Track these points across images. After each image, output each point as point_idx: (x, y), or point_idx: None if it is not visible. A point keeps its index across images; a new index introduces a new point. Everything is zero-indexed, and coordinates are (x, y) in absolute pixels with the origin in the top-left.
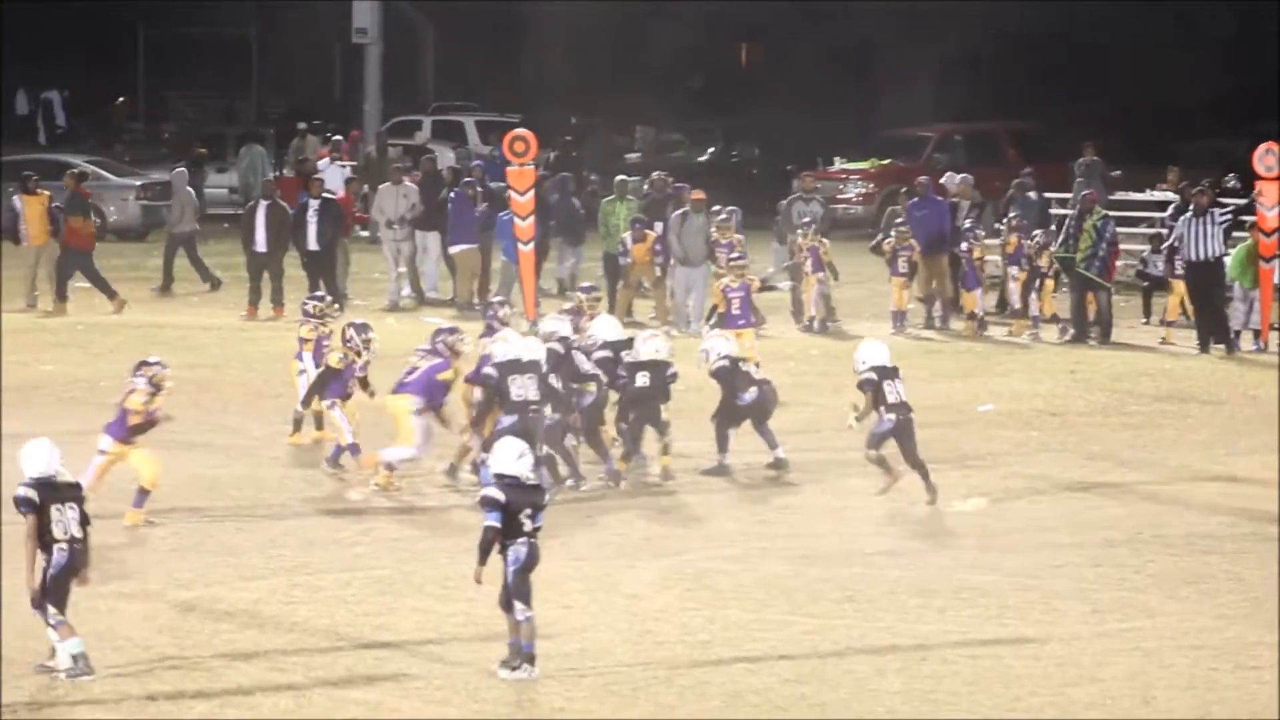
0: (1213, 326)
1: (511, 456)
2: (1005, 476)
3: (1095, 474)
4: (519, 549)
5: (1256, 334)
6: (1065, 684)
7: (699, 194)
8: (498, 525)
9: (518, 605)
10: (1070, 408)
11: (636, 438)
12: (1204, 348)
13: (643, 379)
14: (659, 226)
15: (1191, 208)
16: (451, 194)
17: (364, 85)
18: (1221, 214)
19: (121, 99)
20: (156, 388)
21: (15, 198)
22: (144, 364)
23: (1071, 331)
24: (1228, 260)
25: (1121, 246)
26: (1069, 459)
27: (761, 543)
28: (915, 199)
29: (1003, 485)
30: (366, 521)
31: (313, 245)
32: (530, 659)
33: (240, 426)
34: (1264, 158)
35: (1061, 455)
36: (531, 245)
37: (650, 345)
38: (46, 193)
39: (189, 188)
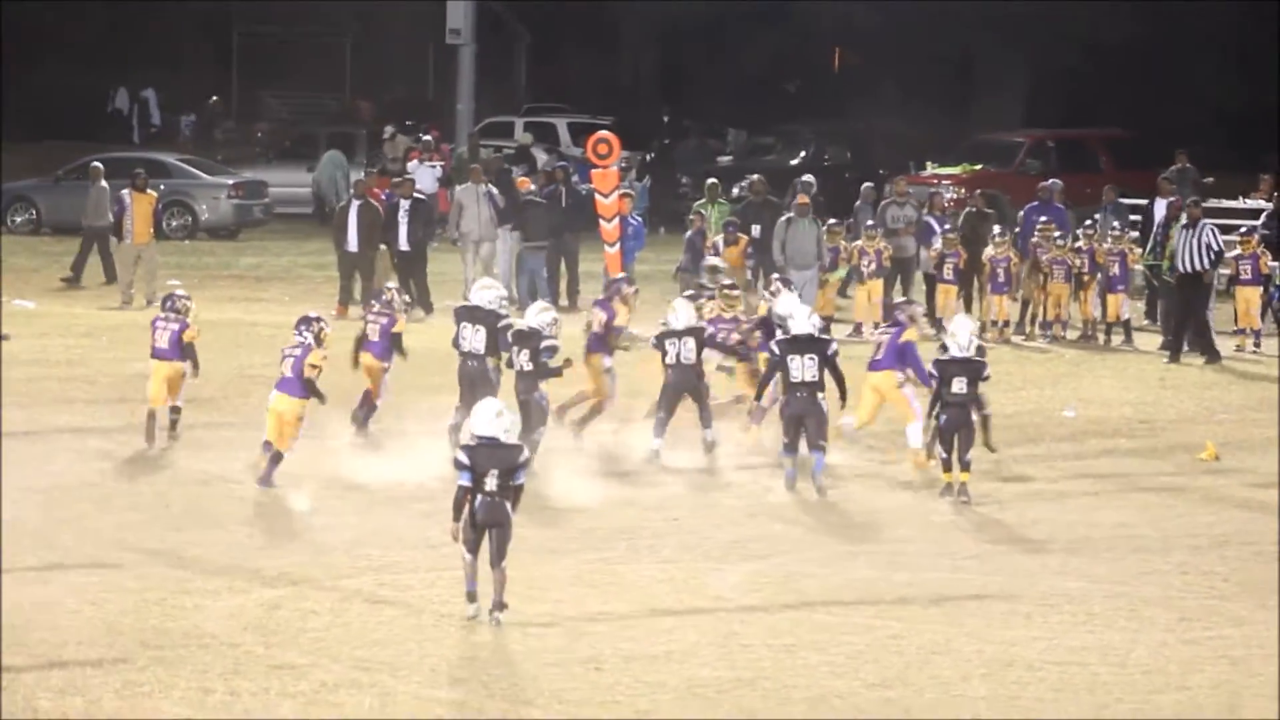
0: (1200, 339)
1: (489, 417)
2: (1095, 481)
3: (1184, 481)
4: (476, 503)
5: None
6: (1151, 692)
7: (805, 199)
8: (467, 485)
9: (462, 550)
10: (1159, 415)
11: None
12: (1174, 357)
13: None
14: (754, 230)
15: (1184, 219)
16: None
17: (457, 86)
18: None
19: (214, 98)
20: (320, 342)
21: (125, 193)
22: (306, 320)
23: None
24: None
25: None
26: (1157, 465)
27: (849, 546)
28: (1035, 204)
29: (1090, 492)
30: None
31: (404, 245)
32: (470, 596)
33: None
34: None
35: (1148, 462)
36: (617, 246)
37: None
38: (154, 193)
39: (104, 183)
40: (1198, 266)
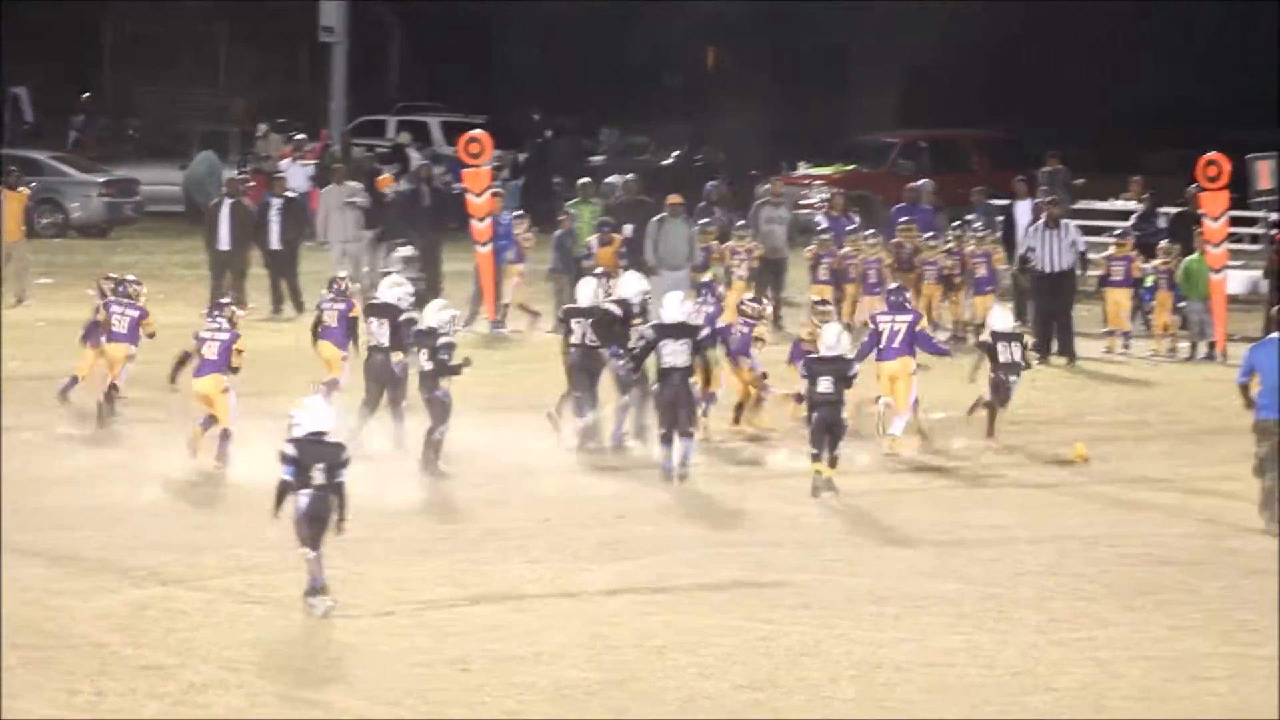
0: (1060, 339)
1: (319, 413)
2: (964, 482)
3: (1053, 482)
4: (302, 499)
5: (1211, 346)
6: (1019, 693)
7: (676, 198)
8: (290, 479)
9: (303, 548)
10: (1028, 416)
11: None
12: (1042, 358)
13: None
14: (627, 229)
15: (1044, 219)
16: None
17: (330, 84)
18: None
19: (86, 94)
20: (234, 324)
21: None
22: (219, 305)
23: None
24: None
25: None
26: (1028, 468)
27: (718, 548)
28: (902, 204)
29: (959, 494)
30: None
31: (275, 245)
32: (312, 590)
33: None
34: (1207, 169)
35: (1020, 463)
36: (489, 246)
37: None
38: (25, 190)
39: None
40: (1061, 266)
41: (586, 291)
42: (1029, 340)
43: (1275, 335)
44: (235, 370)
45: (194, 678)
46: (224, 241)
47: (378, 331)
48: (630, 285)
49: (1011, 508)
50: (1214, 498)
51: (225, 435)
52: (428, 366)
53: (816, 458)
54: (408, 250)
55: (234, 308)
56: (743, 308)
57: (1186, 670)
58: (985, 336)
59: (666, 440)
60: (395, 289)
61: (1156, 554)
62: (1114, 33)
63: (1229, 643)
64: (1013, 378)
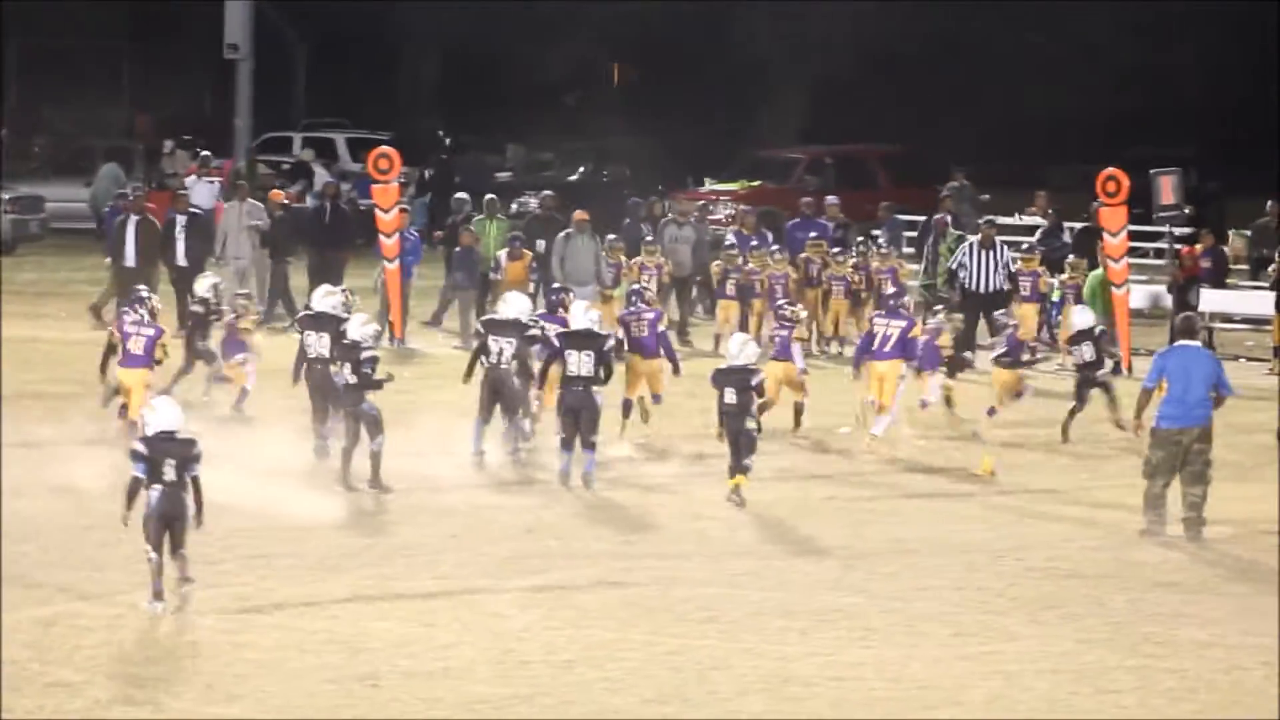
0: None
1: (168, 413)
2: (869, 498)
3: (961, 496)
4: (153, 494)
5: (1117, 361)
6: (927, 706)
7: (583, 214)
8: (142, 475)
9: (149, 547)
10: (935, 430)
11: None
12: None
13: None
14: (539, 245)
15: (978, 239)
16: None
17: (235, 101)
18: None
19: None
20: (155, 316)
21: None
22: (139, 299)
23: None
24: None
25: None
26: (933, 480)
27: (626, 562)
28: (797, 220)
29: (866, 508)
30: (229, 538)
31: (181, 261)
32: (157, 594)
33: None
34: (1106, 184)
35: (924, 477)
36: (396, 262)
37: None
38: None
39: None
40: (995, 286)
41: (517, 306)
42: (757, 379)
43: (1182, 343)
44: (159, 363)
45: (100, 694)
46: (130, 258)
47: (315, 343)
48: (515, 305)
49: (918, 521)
50: (1120, 510)
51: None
52: (351, 381)
53: (731, 471)
54: (212, 277)
55: (153, 300)
56: (781, 312)
57: (1093, 683)
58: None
59: (566, 446)
60: (329, 298)
61: (1063, 567)
62: (1019, 49)
63: (1135, 655)
64: (1096, 374)
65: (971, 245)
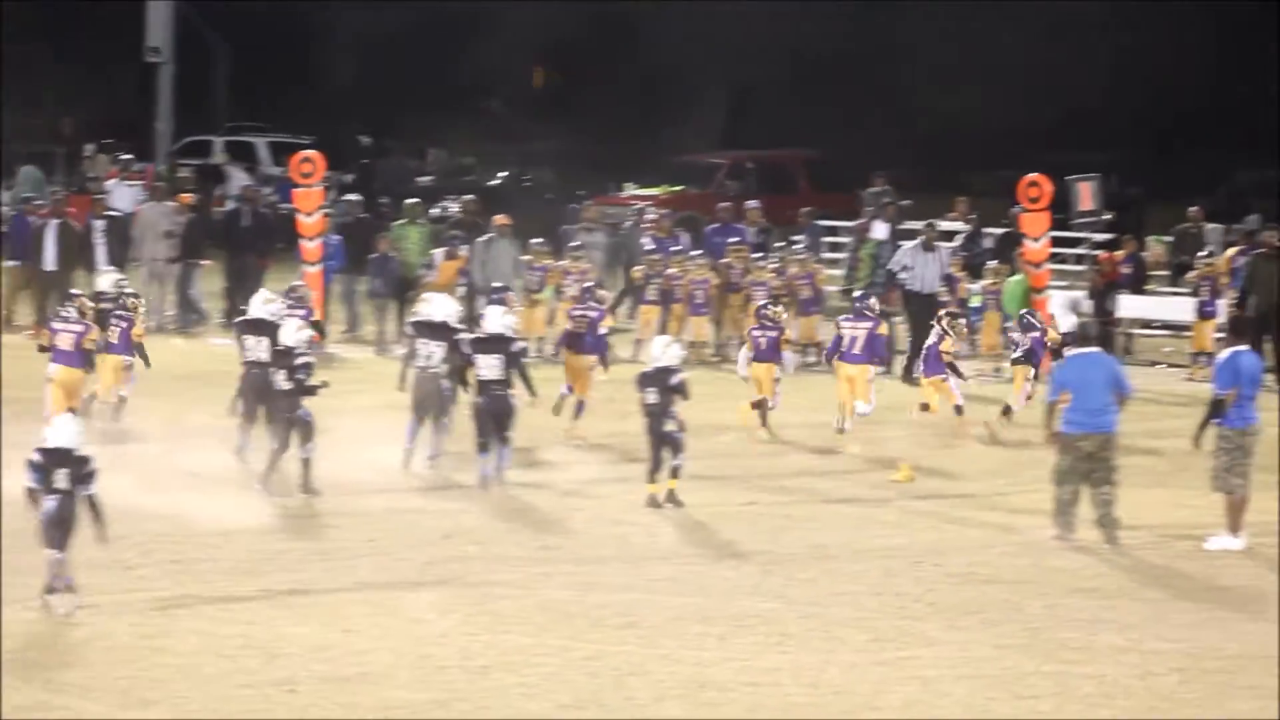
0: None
1: (66, 430)
2: (787, 504)
3: (879, 501)
4: (48, 503)
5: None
6: (844, 712)
7: (504, 219)
8: (35, 485)
9: (47, 550)
10: (855, 436)
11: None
12: (908, 376)
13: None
14: (463, 250)
15: (920, 242)
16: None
17: (156, 105)
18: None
19: None
20: (85, 315)
21: None
22: (70, 296)
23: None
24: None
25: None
26: (851, 486)
27: (543, 567)
28: (716, 225)
29: (784, 513)
30: (147, 543)
31: (102, 265)
32: (51, 588)
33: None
34: (1028, 190)
35: (843, 483)
36: (319, 267)
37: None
38: None
39: None
40: (934, 288)
41: (444, 309)
42: (677, 379)
43: (1079, 350)
44: (90, 360)
45: (17, 699)
46: (50, 262)
47: (254, 347)
48: (441, 307)
49: (837, 526)
50: (1038, 516)
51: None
52: (286, 386)
53: (653, 476)
54: (115, 275)
55: (85, 299)
56: (763, 314)
57: (1010, 688)
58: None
59: (483, 449)
60: (268, 305)
61: (981, 573)
62: (938, 54)
63: (1052, 661)
64: None
65: (916, 247)
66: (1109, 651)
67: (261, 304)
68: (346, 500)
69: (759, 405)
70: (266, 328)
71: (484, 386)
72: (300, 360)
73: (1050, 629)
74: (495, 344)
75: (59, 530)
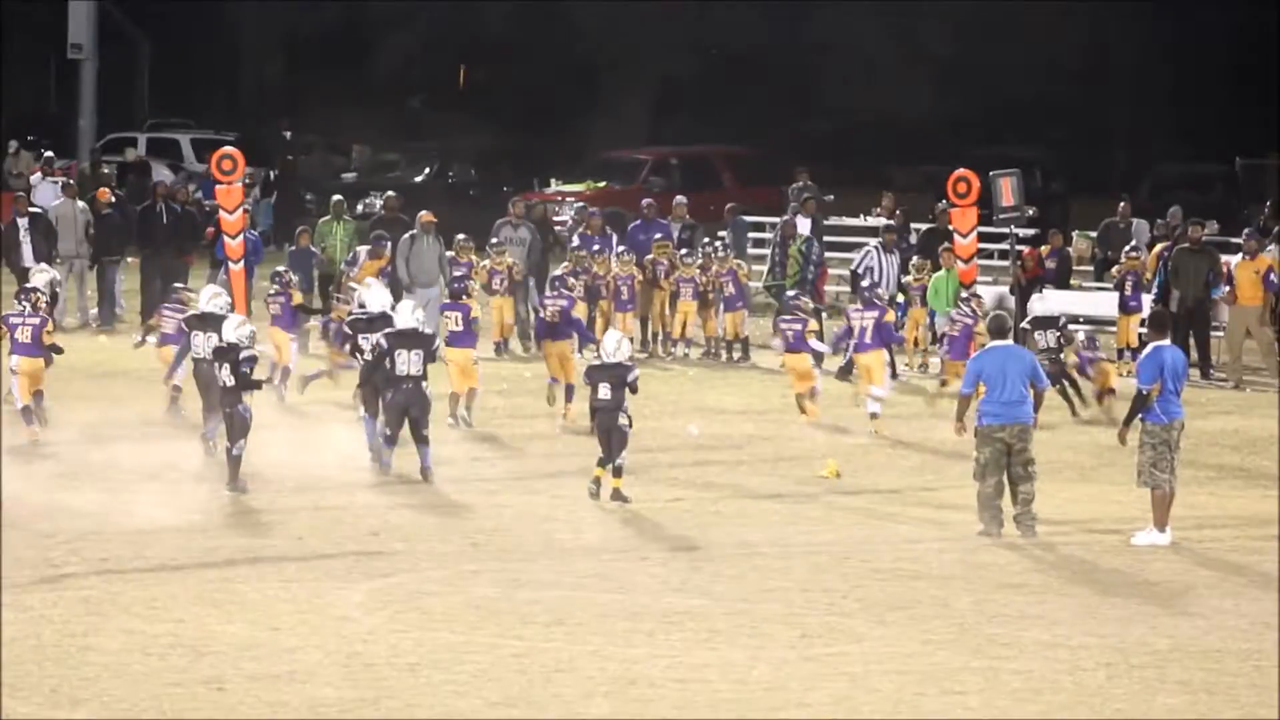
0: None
1: None
2: (715, 500)
3: (806, 498)
4: None
5: None
6: (773, 708)
7: (429, 215)
8: None
9: None
10: (781, 432)
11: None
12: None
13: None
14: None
15: (879, 243)
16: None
17: (79, 101)
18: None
19: None
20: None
21: None
22: (25, 290)
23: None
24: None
25: (830, 271)
26: (779, 483)
27: (472, 565)
28: (639, 221)
29: (711, 509)
30: (74, 542)
31: (27, 262)
32: None
33: None
34: (956, 185)
35: (770, 479)
36: (241, 264)
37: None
38: None
39: None
40: (895, 288)
41: (380, 299)
42: (634, 375)
43: (996, 343)
44: (52, 348)
45: None
46: None
47: (204, 344)
48: (377, 297)
49: (763, 523)
50: (965, 512)
51: (32, 409)
52: (229, 382)
53: (602, 463)
54: (47, 274)
55: (39, 292)
56: (793, 303)
57: (939, 684)
58: (1025, 324)
59: (390, 441)
60: (218, 299)
61: (909, 568)
62: (862, 49)
63: (980, 656)
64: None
65: (876, 249)
66: (1037, 647)
67: (209, 299)
68: (273, 498)
69: (810, 395)
70: (215, 323)
71: (399, 381)
72: (244, 355)
73: (978, 624)
74: (413, 340)
75: None
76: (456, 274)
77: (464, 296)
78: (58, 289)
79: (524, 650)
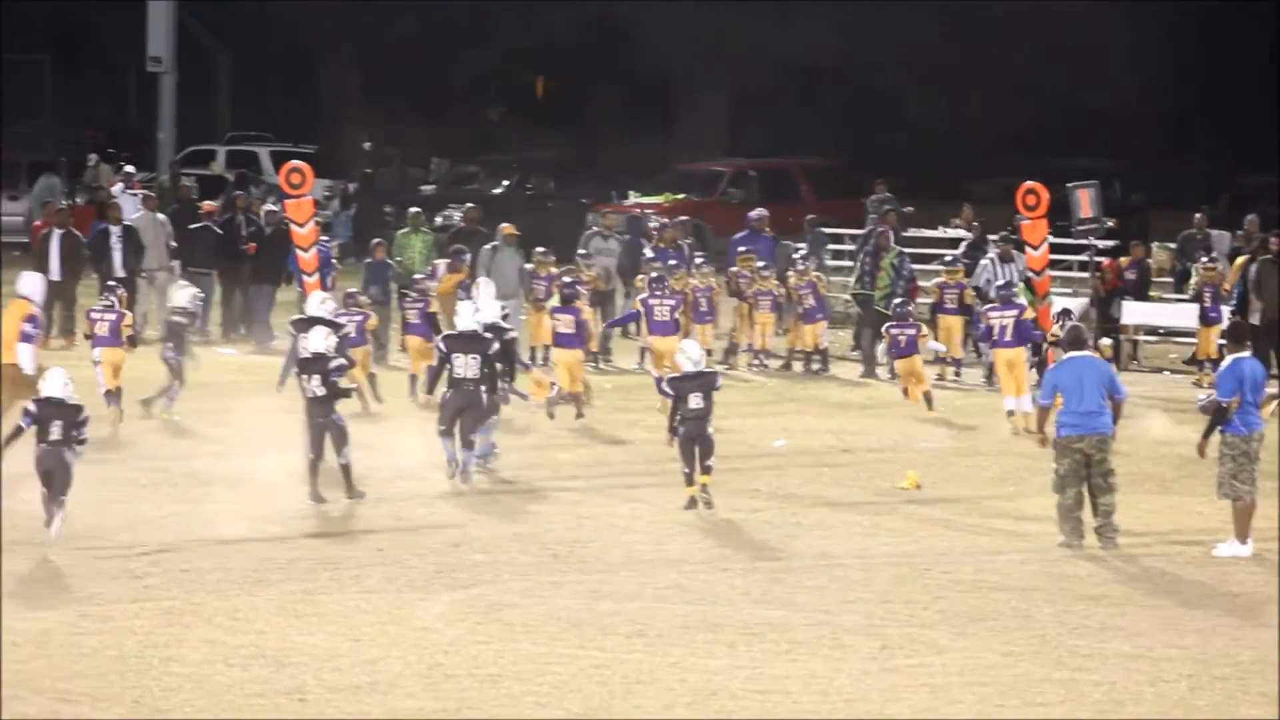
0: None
1: (57, 383)
2: (795, 511)
3: (886, 509)
4: (38, 450)
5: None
6: None
7: (510, 228)
8: (24, 426)
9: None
10: (861, 443)
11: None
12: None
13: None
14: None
15: (998, 254)
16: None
17: (158, 114)
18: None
19: None
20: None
21: None
22: (110, 287)
23: (864, 368)
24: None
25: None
26: (859, 493)
27: (553, 576)
28: (745, 233)
29: (792, 521)
30: (155, 554)
31: (119, 272)
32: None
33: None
34: (1026, 197)
35: (851, 490)
36: (315, 276)
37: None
38: None
39: None
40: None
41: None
42: (720, 382)
43: (1072, 354)
44: (130, 340)
45: (27, 709)
46: (54, 272)
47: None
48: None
49: (844, 534)
50: (1046, 523)
51: (116, 393)
52: (320, 392)
53: (689, 479)
54: (189, 290)
55: (122, 289)
56: (903, 311)
57: (1021, 695)
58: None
59: (446, 434)
60: (327, 304)
61: (990, 580)
62: (941, 61)
63: (1062, 668)
64: None
65: (993, 260)
66: (1118, 658)
67: (318, 304)
68: (355, 509)
69: (927, 396)
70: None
71: (457, 384)
72: (334, 364)
73: (1059, 636)
74: (472, 343)
75: (47, 477)
76: (566, 280)
77: (575, 300)
78: (200, 303)
79: (605, 661)
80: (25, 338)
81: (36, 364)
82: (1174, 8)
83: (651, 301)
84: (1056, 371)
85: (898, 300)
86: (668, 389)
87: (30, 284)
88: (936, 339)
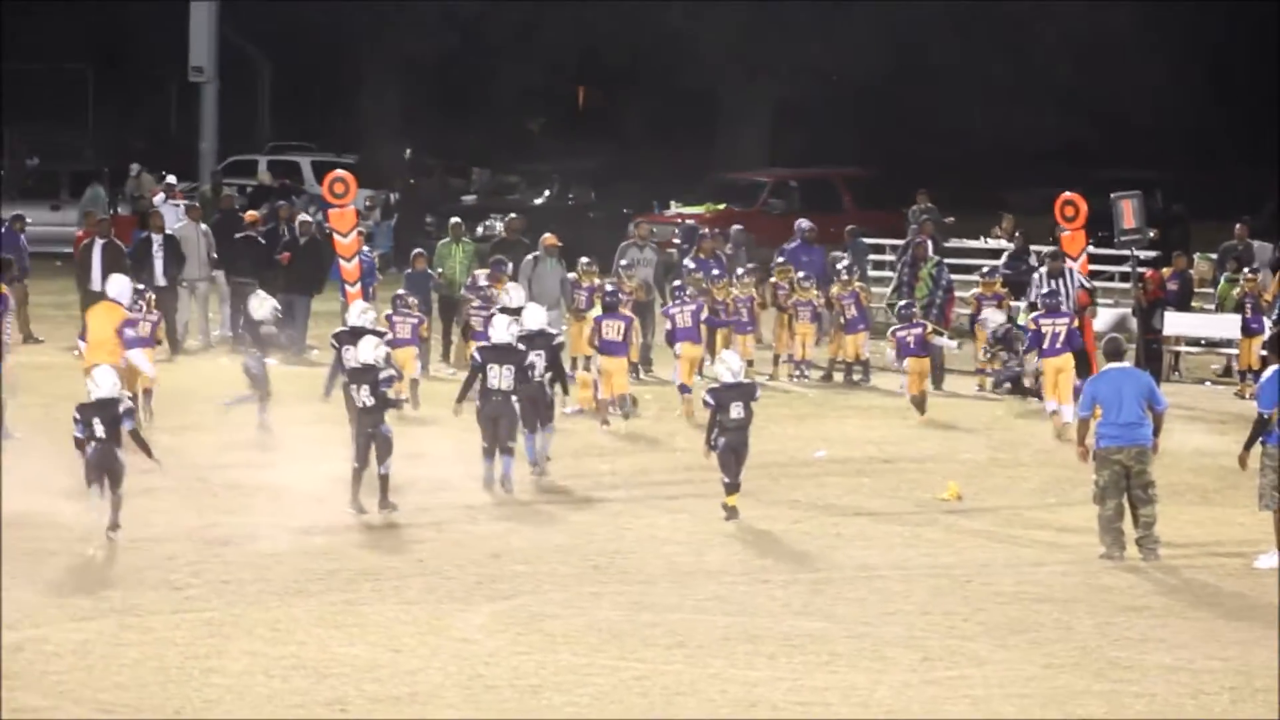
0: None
1: (109, 384)
2: (836, 522)
3: (926, 521)
4: (90, 450)
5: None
6: None
7: (553, 238)
8: (80, 436)
9: (91, 487)
10: (902, 454)
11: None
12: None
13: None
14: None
15: (1050, 268)
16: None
17: (200, 124)
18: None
19: None
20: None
21: None
22: (139, 291)
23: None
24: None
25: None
26: (900, 505)
27: (594, 587)
28: (797, 244)
29: (832, 532)
30: (196, 564)
31: (160, 281)
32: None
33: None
34: (1064, 208)
35: (891, 501)
36: (358, 286)
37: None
38: None
39: None
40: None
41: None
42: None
43: (1111, 365)
44: (159, 342)
45: None
46: (96, 281)
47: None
48: (535, 316)
49: (884, 545)
50: (1087, 534)
51: (148, 393)
52: (369, 402)
53: (729, 489)
54: (269, 302)
55: (150, 293)
56: (905, 312)
57: (1061, 707)
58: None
59: (488, 454)
60: (367, 314)
61: (1030, 591)
62: (980, 73)
63: (1103, 680)
64: None
65: (1042, 275)
66: (1160, 670)
67: (359, 314)
68: (395, 519)
69: (919, 398)
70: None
71: (489, 394)
72: (383, 375)
73: (1100, 648)
74: (506, 354)
75: (99, 472)
76: (609, 289)
77: (620, 308)
78: (279, 314)
79: (646, 673)
80: (130, 343)
81: (151, 365)
82: (1219, 20)
83: (673, 310)
84: (1096, 383)
85: (902, 302)
86: (709, 399)
87: (119, 287)
88: (978, 349)
